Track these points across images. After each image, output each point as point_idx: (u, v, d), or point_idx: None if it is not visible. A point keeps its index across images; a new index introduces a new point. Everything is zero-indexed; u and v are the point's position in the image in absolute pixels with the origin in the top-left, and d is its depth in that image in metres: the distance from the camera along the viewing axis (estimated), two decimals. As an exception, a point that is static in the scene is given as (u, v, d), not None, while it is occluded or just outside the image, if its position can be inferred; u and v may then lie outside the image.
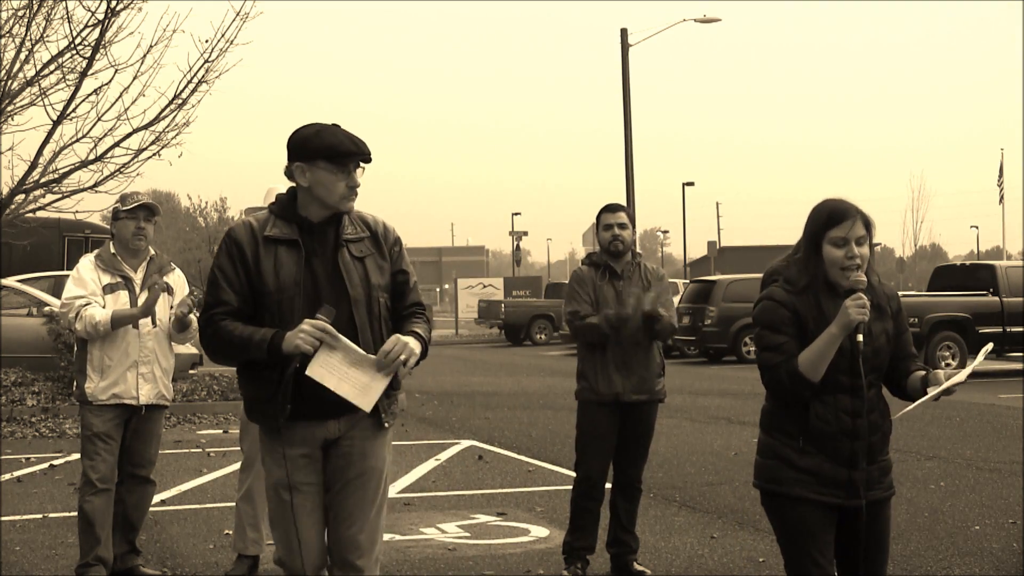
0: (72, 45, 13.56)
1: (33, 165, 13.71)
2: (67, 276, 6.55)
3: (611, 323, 6.01)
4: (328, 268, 3.86)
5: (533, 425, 13.35)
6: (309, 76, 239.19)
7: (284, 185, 3.99)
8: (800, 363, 3.64)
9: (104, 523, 5.95)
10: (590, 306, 6.10)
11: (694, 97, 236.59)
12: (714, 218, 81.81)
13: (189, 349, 14.93)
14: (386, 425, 3.96)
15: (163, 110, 13.95)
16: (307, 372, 3.67)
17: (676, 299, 25.33)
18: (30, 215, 15.01)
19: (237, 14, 14.00)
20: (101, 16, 13.43)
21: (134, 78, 13.69)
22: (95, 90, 13.70)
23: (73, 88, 13.69)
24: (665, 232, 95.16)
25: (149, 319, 6.00)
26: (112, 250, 6.09)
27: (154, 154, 14.02)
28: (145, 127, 13.88)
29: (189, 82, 14.00)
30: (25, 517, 7.91)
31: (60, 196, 14.02)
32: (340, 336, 3.72)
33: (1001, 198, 56.97)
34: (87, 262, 6.10)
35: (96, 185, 13.83)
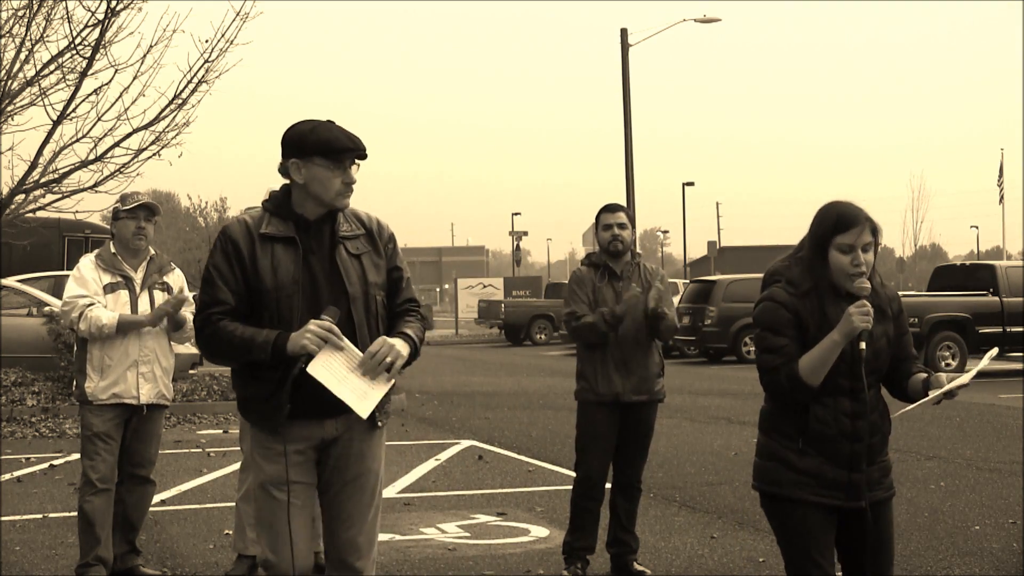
0: (72, 45, 13.57)
1: (33, 165, 13.71)
2: (67, 276, 6.55)
3: (607, 321, 6.00)
4: (326, 266, 3.83)
5: (533, 425, 13.35)
6: (309, 76, 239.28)
7: (282, 184, 3.96)
8: (801, 368, 3.61)
9: (104, 523, 5.95)
10: (588, 307, 6.10)
11: (694, 97, 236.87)
12: (714, 218, 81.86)
13: (189, 349, 14.87)
14: (380, 425, 3.93)
15: (163, 110, 13.96)
16: (308, 370, 3.65)
17: (676, 299, 25.36)
18: (30, 215, 15.02)
19: (237, 14, 14.03)
20: (101, 16, 13.44)
21: (134, 78, 13.72)
22: (95, 90, 13.72)
23: (73, 88, 13.71)
24: (665, 232, 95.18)
25: (157, 325, 6.01)
26: (112, 250, 6.09)
27: (154, 154, 14.04)
28: (145, 127, 13.89)
29: (189, 82, 14.01)
30: (25, 517, 7.91)
31: (60, 196, 14.03)
32: (344, 339, 3.71)
33: (1001, 198, 57.00)
34: (88, 262, 6.10)
35: (96, 185, 13.84)
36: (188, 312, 6.00)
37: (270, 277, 3.76)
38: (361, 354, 3.72)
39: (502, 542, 7.07)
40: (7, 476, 9.69)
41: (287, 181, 3.87)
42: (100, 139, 13.75)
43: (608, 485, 6.22)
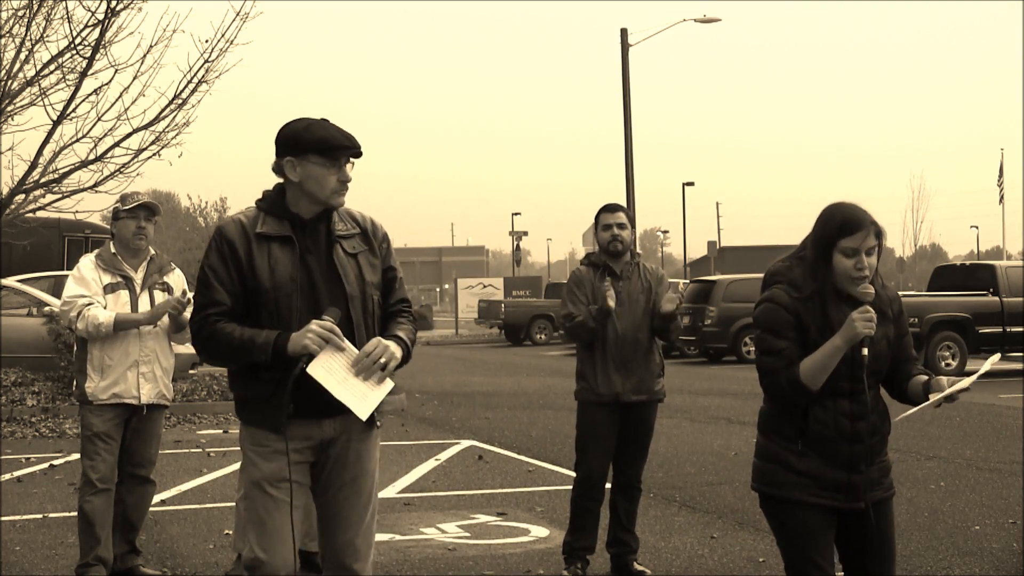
0: (72, 45, 13.57)
1: (33, 165, 13.72)
2: (67, 276, 6.55)
3: (594, 317, 6.01)
4: (323, 265, 3.80)
5: (533, 425, 13.35)
6: (309, 76, 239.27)
7: (275, 183, 3.91)
8: (801, 372, 3.59)
9: (104, 523, 5.95)
10: (585, 307, 6.10)
11: (694, 97, 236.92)
12: (714, 218, 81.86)
13: (189, 349, 14.87)
14: (377, 425, 3.91)
15: (163, 110, 13.97)
16: (309, 371, 3.63)
17: (676, 299, 25.31)
18: (30, 215, 15.02)
19: (237, 14, 14.04)
20: (101, 16, 13.44)
21: (134, 78, 13.72)
22: (95, 90, 13.72)
23: (73, 88, 13.72)
24: (665, 232, 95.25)
25: (154, 324, 6.01)
26: (112, 250, 6.09)
27: (154, 154, 14.05)
28: (145, 127, 13.90)
29: (189, 82, 14.02)
30: (25, 517, 7.91)
31: (60, 196, 14.04)
32: (346, 340, 3.70)
33: (1001, 198, 57.01)
34: (88, 262, 6.10)
35: (96, 185, 13.84)
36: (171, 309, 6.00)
37: (268, 277, 3.73)
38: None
39: (502, 542, 7.07)
40: (7, 476, 9.68)
41: (280, 180, 3.84)
42: (100, 139, 13.77)
43: (608, 485, 6.22)
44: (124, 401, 5.97)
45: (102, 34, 13.49)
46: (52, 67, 13.71)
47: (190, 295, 6.10)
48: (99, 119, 13.71)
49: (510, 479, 9.49)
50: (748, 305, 19.18)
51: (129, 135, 13.86)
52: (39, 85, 13.71)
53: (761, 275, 3.91)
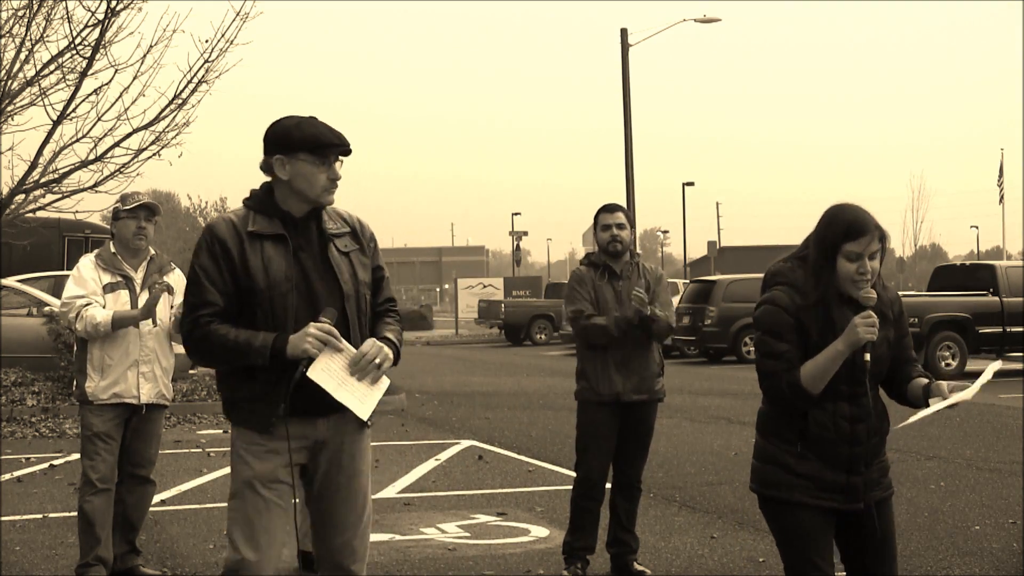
0: (72, 45, 13.57)
1: (33, 165, 13.72)
2: (67, 276, 6.55)
3: (620, 326, 6.00)
4: (317, 263, 3.77)
5: (533, 425, 13.35)
6: (309, 76, 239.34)
7: (263, 182, 3.88)
8: (802, 376, 3.57)
9: (104, 523, 5.94)
10: (592, 305, 6.10)
11: (694, 97, 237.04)
12: (714, 218, 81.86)
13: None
14: (369, 425, 3.87)
15: (163, 110, 13.97)
16: (309, 374, 3.62)
17: (676, 299, 25.35)
18: (30, 215, 15.02)
19: (237, 14, 14.04)
20: (101, 16, 13.45)
21: (134, 78, 13.73)
22: (95, 90, 13.73)
23: (73, 88, 13.72)
24: (665, 232, 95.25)
25: (149, 318, 6.01)
26: (112, 250, 6.09)
27: (154, 154, 14.05)
28: (145, 127, 13.90)
29: (189, 82, 14.02)
30: (25, 517, 7.91)
31: (60, 196, 14.04)
32: (343, 341, 3.69)
33: (1001, 198, 57.03)
34: (87, 262, 6.10)
35: (96, 185, 13.85)
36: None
37: (262, 276, 3.69)
38: None
39: (502, 542, 7.07)
40: (7, 476, 9.69)
41: (268, 179, 3.81)
42: (100, 139, 13.77)
43: (608, 485, 6.22)
44: (124, 401, 5.97)
45: (102, 34, 13.50)
46: (52, 67, 13.72)
47: (168, 282, 6.10)
48: (99, 119, 13.73)
49: (510, 479, 9.49)
50: (748, 305, 19.20)
51: (129, 135, 13.88)
52: (39, 85, 13.72)
53: (761, 275, 3.88)
